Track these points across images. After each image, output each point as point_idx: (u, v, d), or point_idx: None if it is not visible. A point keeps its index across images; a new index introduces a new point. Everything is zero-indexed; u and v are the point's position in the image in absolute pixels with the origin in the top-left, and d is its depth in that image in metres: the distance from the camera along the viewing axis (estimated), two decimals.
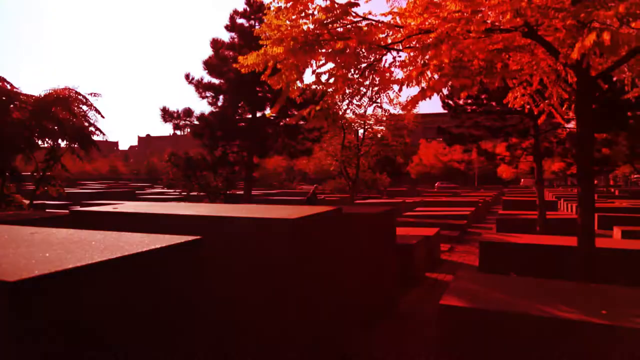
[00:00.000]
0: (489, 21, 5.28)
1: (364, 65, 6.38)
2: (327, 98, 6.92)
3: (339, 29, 5.87)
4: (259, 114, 17.59)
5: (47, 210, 11.27)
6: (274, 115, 17.16)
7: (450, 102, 14.93)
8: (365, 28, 5.73)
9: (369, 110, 19.59)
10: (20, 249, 2.54)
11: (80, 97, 10.40)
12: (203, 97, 17.48)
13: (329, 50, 5.89)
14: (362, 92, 7.00)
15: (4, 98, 9.66)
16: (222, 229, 4.20)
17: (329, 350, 4.72)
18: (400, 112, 19.58)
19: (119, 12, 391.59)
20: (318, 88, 6.75)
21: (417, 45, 5.62)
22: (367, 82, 6.68)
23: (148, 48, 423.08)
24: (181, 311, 2.75)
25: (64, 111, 10.03)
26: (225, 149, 17.75)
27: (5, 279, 1.82)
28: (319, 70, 6.29)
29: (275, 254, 3.99)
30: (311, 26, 5.98)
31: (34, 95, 9.99)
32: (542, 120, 10.66)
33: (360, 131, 21.59)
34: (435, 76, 5.43)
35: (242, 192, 20.52)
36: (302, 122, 16.00)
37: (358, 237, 5.95)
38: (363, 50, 6.11)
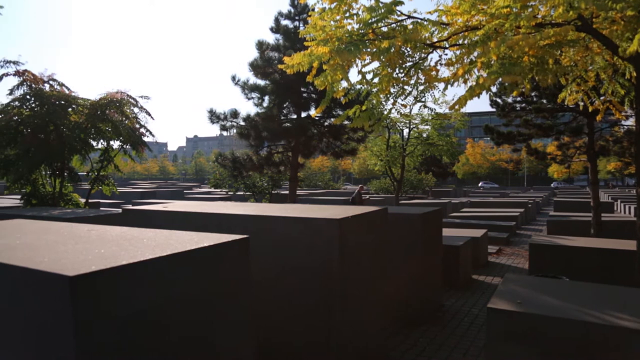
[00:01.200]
0: (539, 16, 5.11)
1: (409, 64, 6.31)
2: (372, 98, 6.89)
3: (383, 29, 5.83)
4: (303, 115, 17.72)
5: (101, 208, 11.78)
6: (318, 115, 17.27)
7: (499, 100, 14.52)
8: (411, 26, 5.67)
9: (414, 110, 19.37)
10: (78, 245, 2.66)
11: (132, 100, 10.78)
12: (249, 99, 17.77)
13: (374, 50, 5.86)
14: (407, 91, 6.91)
15: (63, 102, 10.14)
16: (268, 228, 4.25)
17: (372, 353, 4.70)
18: (447, 111, 19.22)
19: (168, 16, 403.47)
20: (363, 88, 6.73)
21: (464, 43, 5.51)
22: (412, 81, 6.59)
23: (196, 51, 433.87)
24: (227, 307, 2.80)
25: (117, 114, 10.43)
26: (271, 149, 17.97)
27: (65, 274, 1.93)
28: (364, 70, 6.28)
29: (320, 254, 4.01)
30: (356, 26, 5.96)
31: (89, 99, 10.45)
32: (599, 118, 10.22)
33: (405, 131, 21.34)
34: (484, 74, 5.30)
35: (287, 192, 20.72)
36: (346, 122, 16.05)
37: (403, 238, 5.90)
38: (408, 49, 6.04)
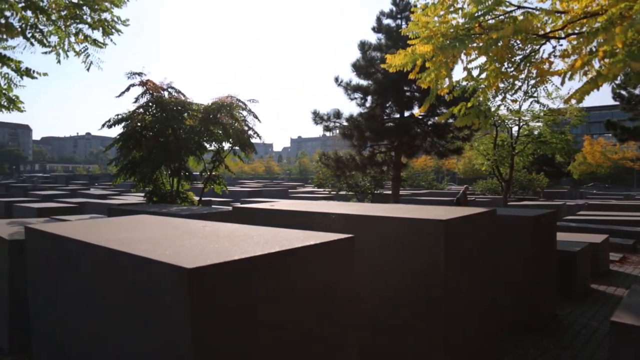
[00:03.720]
0: None
1: (518, 57, 5.98)
2: (478, 94, 6.63)
3: (490, 21, 5.58)
4: (406, 114, 17.51)
5: (212, 206, 12.54)
6: (422, 114, 16.94)
7: (624, 92, 13.24)
8: (521, 17, 5.37)
9: (525, 106, 18.28)
10: (195, 240, 2.87)
11: (241, 103, 11.39)
12: (352, 99, 17.94)
13: (480, 44, 5.63)
14: (517, 87, 6.55)
15: (179, 108, 10.98)
16: (371, 228, 4.25)
17: (481, 358, 4.51)
18: (561, 106, 17.91)
19: (273, 19, 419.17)
20: (469, 84, 6.50)
21: (583, 31, 5.10)
22: (523, 76, 6.24)
23: (300, 53, 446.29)
24: (331, 305, 2.85)
25: (227, 117, 11.07)
26: (374, 149, 17.96)
27: (185, 266, 2.09)
28: (469, 66, 6.06)
29: (425, 255, 3.93)
30: (461, 20, 5.77)
31: (202, 104, 11.21)
32: None
33: (515, 128, 20.23)
34: (605, 64, 4.86)
35: (389, 192, 20.58)
36: (451, 120, 15.59)
37: (513, 242, 5.59)
38: (518, 41, 5.73)
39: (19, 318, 4.78)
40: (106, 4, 5.85)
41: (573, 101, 5.03)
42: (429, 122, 17.54)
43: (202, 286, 2.11)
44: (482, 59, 5.93)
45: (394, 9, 17.70)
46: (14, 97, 6.37)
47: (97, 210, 12.88)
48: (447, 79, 6.23)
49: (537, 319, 5.78)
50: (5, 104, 6.35)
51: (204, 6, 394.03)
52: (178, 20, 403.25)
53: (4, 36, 5.19)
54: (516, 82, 6.36)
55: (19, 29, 5.25)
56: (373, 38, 21.34)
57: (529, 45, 5.81)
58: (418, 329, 4.02)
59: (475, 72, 6.10)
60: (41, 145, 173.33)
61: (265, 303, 2.42)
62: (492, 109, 7.54)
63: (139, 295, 2.48)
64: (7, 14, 5.18)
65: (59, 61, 6.02)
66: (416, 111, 17.18)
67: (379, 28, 17.83)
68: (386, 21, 17.79)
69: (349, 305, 2.98)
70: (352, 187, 23.47)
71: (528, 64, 5.98)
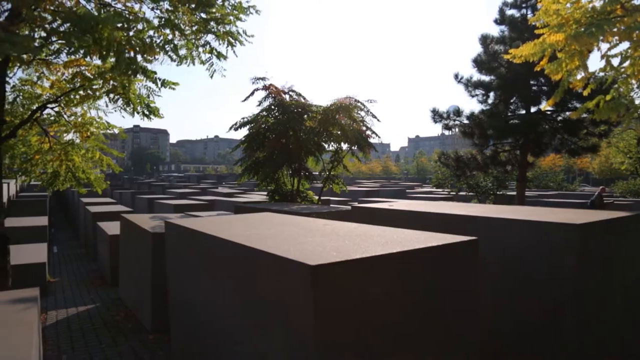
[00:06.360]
0: None
1: None
2: (619, 85, 5.98)
3: (635, 1, 5.02)
4: (533, 109, 16.37)
5: (331, 205, 12.79)
6: (551, 109, 15.73)
7: None
8: None
9: None
10: (316, 238, 2.95)
11: (359, 104, 11.48)
12: (472, 96, 17.20)
13: (622, 28, 5.08)
14: None
15: (300, 110, 11.38)
16: (494, 231, 4.05)
17: None
18: None
19: (390, 17, 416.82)
20: (607, 74, 5.91)
21: None
22: None
23: (417, 51, 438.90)
24: (451, 308, 2.76)
25: (345, 118, 11.24)
26: (497, 148, 17.04)
27: (308, 262, 2.17)
28: (609, 54, 5.50)
29: (553, 262, 3.65)
30: (598, 4, 5.27)
31: (322, 106, 11.51)
32: None
33: None
34: None
35: (513, 193, 19.42)
36: (585, 115, 14.26)
37: None
38: None
39: (160, 302, 5.31)
40: (230, 17, 6.24)
41: None
42: (559, 118, 16.20)
43: (324, 282, 2.17)
44: (624, 45, 5.36)
45: None
46: (154, 108, 7.10)
47: (224, 207, 13.81)
48: (581, 70, 5.72)
49: None
50: (146, 111, 7.08)
51: (318, 9, 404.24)
52: (295, 24, 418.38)
53: (146, 55, 5.77)
54: None
55: (160, 45, 5.82)
56: (495, 31, 20.31)
57: None
58: (542, 337, 3.75)
59: (615, 61, 5.52)
60: (176, 148, 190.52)
61: (384, 302, 2.41)
62: (636, 102, 6.72)
63: (264, 287, 2.62)
64: (150, 33, 5.75)
65: (187, 64, 6.56)
66: (544, 106, 15.98)
67: (501, 20, 16.89)
68: (510, 12, 16.80)
69: (471, 309, 2.86)
70: (473, 187, 22.52)
71: None
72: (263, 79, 11.61)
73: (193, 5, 5.82)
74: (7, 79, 6.48)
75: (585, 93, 6.12)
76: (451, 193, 25.46)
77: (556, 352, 3.69)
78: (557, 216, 4.02)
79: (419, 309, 2.58)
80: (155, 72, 6.22)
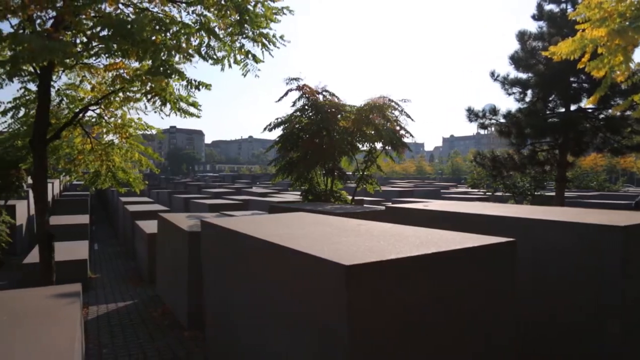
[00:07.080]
0: None
1: None
2: None
3: None
4: (573, 107, 15.88)
5: (364, 205, 12.75)
6: (592, 106, 15.23)
7: None
8: None
9: None
10: (350, 238, 2.95)
11: (393, 103, 11.41)
12: (509, 94, 16.80)
13: None
14: None
15: (333, 110, 11.40)
16: (532, 232, 3.96)
17: None
18: None
19: (424, 16, 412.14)
20: None
21: None
22: None
23: (452, 50, 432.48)
24: (489, 311, 2.71)
25: (379, 117, 11.18)
26: (534, 147, 16.60)
27: (343, 262, 2.17)
28: None
29: (592, 265, 3.54)
30: None
31: (355, 106, 11.49)
32: None
33: None
34: None
35: (552, 194, 18.89)
36: (629, 113, 13.73)
37: None
38: None
39: (196, 299, 5.41)
40: (262, 19, 6.31)
41: None
42: (601, 116, 15.66)
43: (358, 283, 2.17)
44: None
45: None
46: (194, 102, 7.23)
47: (259, 206, 13.95)
48: (624, 65, 5.53)
49: None
50: (185, 107, 7.20)
51: (352, 8, 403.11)
52: (328, 23, 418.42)
53: (181, 57, 5.91)
54: None
55: (195, 48, 5.95)
56: (533, 27, 19.71)
57: None
58: (581, 344, 3.63)
59: None
60: (212, 148, 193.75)
61: (418, 304, 2.39)
62: None
63: (298, 286, 2.64)
64: (185, 36, 5.88)
65: (222, 69, 6.66)
66: (584, 104, 15.47)
67: (539, 15, 16.45)
68: (548, 7, 16.34)
69: (509, 312, 2.80)
70: (510, 188, 22.03)
71: None
72: (297, 79, 11.68)
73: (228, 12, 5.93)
74: (52, 83, 6.72)
75: (624, 85, 5.90)
76: (487, 194, 24.98)
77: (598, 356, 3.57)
78: (600, 217, 3.90)
79: (455, 312, 2.54)
80: (186, 76, 6.33)
